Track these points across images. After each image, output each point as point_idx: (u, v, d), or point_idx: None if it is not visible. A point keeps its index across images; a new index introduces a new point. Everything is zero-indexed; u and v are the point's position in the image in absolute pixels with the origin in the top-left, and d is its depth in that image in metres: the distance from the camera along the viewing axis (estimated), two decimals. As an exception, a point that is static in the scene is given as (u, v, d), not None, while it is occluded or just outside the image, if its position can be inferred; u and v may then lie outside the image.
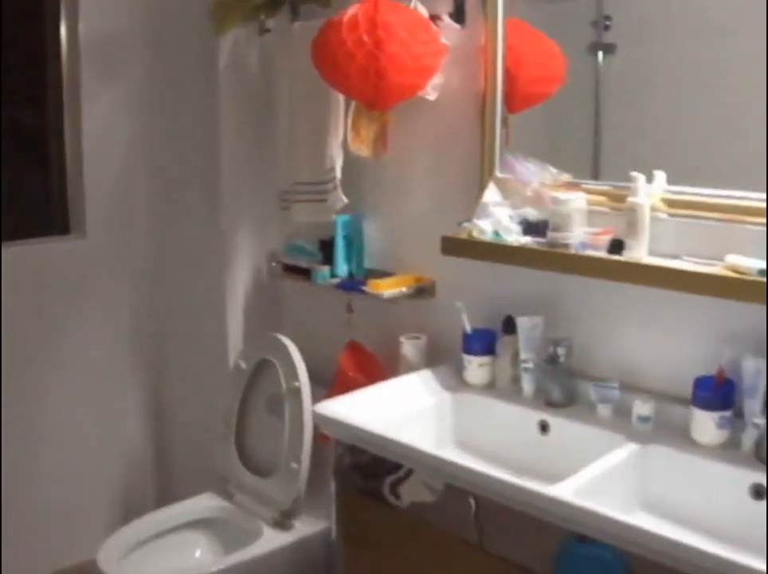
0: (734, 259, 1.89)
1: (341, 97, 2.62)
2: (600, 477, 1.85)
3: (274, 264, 3.05)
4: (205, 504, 2.92)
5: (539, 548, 1.78)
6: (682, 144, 2.17)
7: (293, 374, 2.72)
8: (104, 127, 3.23)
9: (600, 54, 2.32)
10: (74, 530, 3.33)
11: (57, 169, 3.35)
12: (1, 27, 3.13)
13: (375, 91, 2.30)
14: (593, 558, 1.69)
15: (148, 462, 3.56)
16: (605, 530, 1.64)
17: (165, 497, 3.38)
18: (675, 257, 2.01)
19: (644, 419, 2.05)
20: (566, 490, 1.74)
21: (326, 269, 2.80)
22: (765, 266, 1.81)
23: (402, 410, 2.26)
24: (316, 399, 2.54)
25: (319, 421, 2.26)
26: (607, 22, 2.30)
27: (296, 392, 2.70)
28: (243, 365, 2.94)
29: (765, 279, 1.79)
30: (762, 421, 1.88)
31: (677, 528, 1.78)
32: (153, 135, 3.30)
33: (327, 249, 2.84)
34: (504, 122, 2.41)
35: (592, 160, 2.37)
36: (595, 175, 2.31)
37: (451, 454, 2.19)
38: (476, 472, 1.87)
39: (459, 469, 1.91)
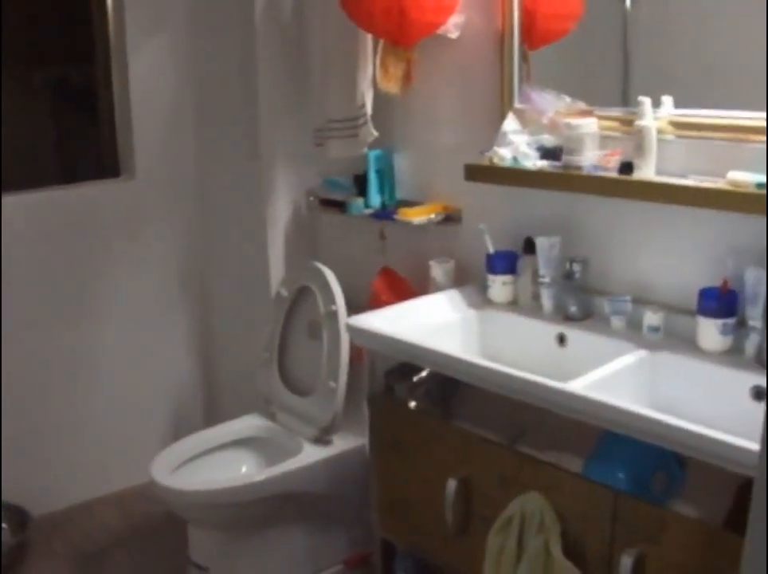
0: (734, 175, 2.01)
1: (369, 38, 2.75)
2: (610, 377, 2.01)
3: (311, 198, 3.20)
4: (249, 423, 3.09)
5: (568, 446, 1.94)
6: (695, 72, 2.27)
7: (330, 299, 2.87)
8: (150, 75, 3.38)
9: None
10: (130, 454, 3.53)
11: (107, 116, 3.50)
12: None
13: (398, 27, 2.45)
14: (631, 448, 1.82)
15: (197, 387, 3.75)
16: (614, 420, 1.79)
17: (212, 419, 3.57)
18: (682, 175, 2.13)
19: (653, 329, 2.19)
20: (578, 385, 1.91)
21: (360, 200, 2.95)
22: (763, 180, 1.93)
23: (431, 325, 2.41)
24: None
25: (352, 333, 2.43)
26: None
27: (333, 316, 2.85)
28: (284, 293, 3.09)
29: (763, 191, 1.91)
30: (762, 325, 2.01)
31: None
32: (196, 79, 3.44)
33: (360, 183, 2.98)
34: (524, 57, 2.53)
35: (620, 89, 2.45)
36: (624, 103, 2.38)
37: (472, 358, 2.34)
38: (496, 371, 2.02)
39: (482, 370, 2.06)
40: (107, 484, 3.52)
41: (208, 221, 3.57)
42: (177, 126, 3.48)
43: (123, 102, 3.43)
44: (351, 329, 2.41)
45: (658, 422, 1.72)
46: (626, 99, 2.41)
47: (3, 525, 3.18)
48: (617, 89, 2.47)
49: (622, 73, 2.47)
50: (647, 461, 1.79)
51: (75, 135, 3.75)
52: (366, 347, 2.43)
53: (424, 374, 2.28)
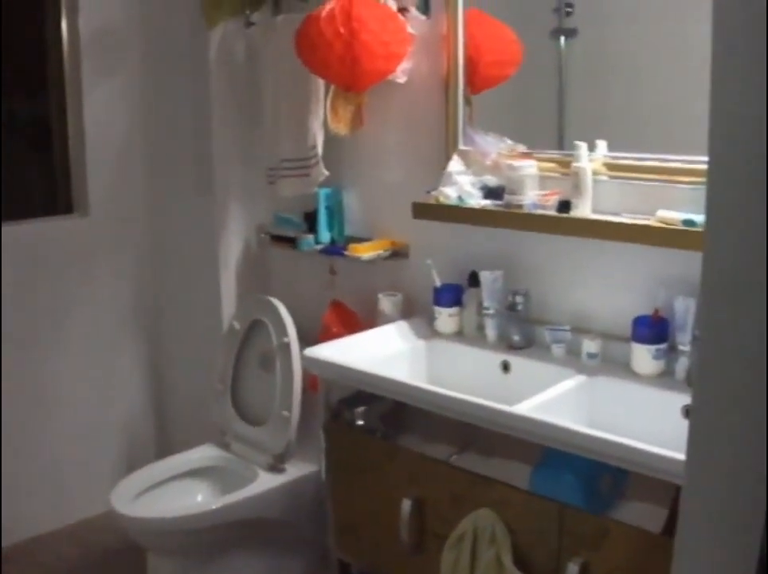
0: (663, 213, 2.18)
1: (320, 81, 2.88)
2: (552, 400, 2.16)
3: (263, 235, 3.31)
4: (204, 453, 3.15)
5: (514, 464, 2.08)
6: (626, 115, 2.45)
7: (283, 331, 2.97)
8: (104, 114, 3.44)
9: (562, 39, 2.55)
10: (85, 486, 3.57)
11: (61, 154, 3.55)
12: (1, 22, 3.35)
13: (351, 75, 2.58)
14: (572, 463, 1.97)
15: (150, 419, 3.80)
16: (557, 438, 1.94)
17: (165, 452, 3.59)
18: (616, 213, 2.30)
19: (592, 356, 2.35)
20: (523, 408, 2.05)
21: (310, 237, 3.07)
22: (689, 217, 2.10)
23: (381, 354, 2.55)
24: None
25: (308, 363, 2.56)
26: (568, 9, 2.52)
27: (286, 347, 2.95)
28: (236, 326, 3.18)
29: (690, 228, 2.08)
30: (690, 349, 2.17)
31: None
32: (149, 119, 3.52)
33: (310, 220, 3.10)
34: (467, 101, 2.69)
35: (557, 133, 2.62)
36: (560, 146, 2.55)
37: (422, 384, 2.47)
38: (448, 396, 2.16)
39: (434, 395, 2.19)
40: (63, 516, 3.55)
41: (160, 256, 3.64)
42: (130, 163, 3.55)
43: (77, 139, 3.49)
44: (307, 359, 2.53)
45: (597, 439, 1.87)
46: (562, 141, 2.58)
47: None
48: (554, 132, 2.63)
49: (558, 116, 2.63)
50: (593, 466, 1.93)
51: (27, 172, 3.78)
52: (321, 377, 2.55)
53: (374, 401, 2.41)
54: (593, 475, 1.94)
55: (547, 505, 1.98)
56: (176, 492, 3.05)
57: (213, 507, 2.84)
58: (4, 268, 3.31)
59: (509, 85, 2.68)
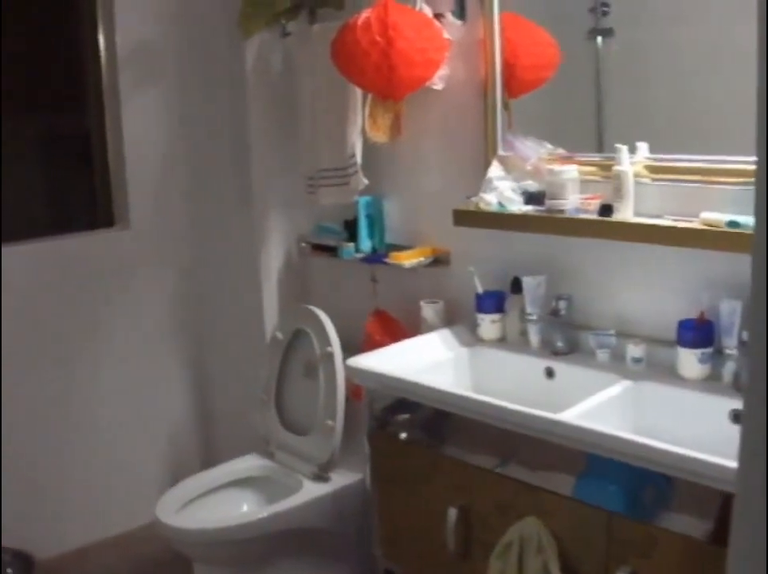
0: (707, 215, 2.15)
1: (358, 90, 2.88)
2: (597, 407, 2.13)
3: (303, 244, 3.32)
4: (249, 463, 3.16)
5: (560, 471, 2.05)
6: (667, 115, 2.43)
7: (326, 340, 2.97)
8: (143, 127, 3.47)
9: (599, 39, 2.53)
10: (130, 497, 3.59)
11: (101, 167, 3.59)
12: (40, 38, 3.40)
13: (388, 83, 2.58)
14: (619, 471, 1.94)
15: (193, 430, 3.81)
16: (603, 445, 1.92)
17: (210, 462, 3.60)
18: (658, 216, 2.27)
19: (636, 360, 2.32)
20: (568, 415, 2.03)
21: (351, 245, 3.07)
22: (734, 219, 2.06)
23: (425, 363, 2.53)
24: None
25: (351, 373, 2.55)
26: (605, 8, 2.50)
27: (329, 357, 2.95)
28: (279, 336, 3.19)
29: (734, 230, 2.05)
30: (737, 353, 2.14)
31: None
32: (188, 132, 3.54)
33: (351, 228, 3.10)
34: (506, 106, 2.67)
35: (596, 135, 2.60)
36: (600, 149, 2.54)
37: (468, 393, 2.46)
38: (493, 405, 2.14)
39: (479, 403, 2.18)
40: (109, 527, 3.57)
41: (202, 268, 3.66)
42: (170, 175, 3.57)
43: (116, 152, 3.52)
44: (350, 369, 2.53)
45: (643, 446, 1.85)
46: (601, 143, 2.56)
47: (8, 571, 3.23)
48: (593, 134, 2.61)
49: (596, 118, 2.61)
50: (636, 476, 1.90)
51: (68, 186, 3.82)
52: (365, 386, 2.55)
53: (418, 410, 2.40)
54: (638, 485, 1.91)
55: (594, 512, 1.96)
56: (221, 502, 3.06)
57: (259, 517, 2.84)
58: (46, 282, 3.35)
59: (547, 89, 2.67)
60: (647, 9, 2.45)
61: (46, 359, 3.38)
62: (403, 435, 2.44)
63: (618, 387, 2.24)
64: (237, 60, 3.23)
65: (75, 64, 3.60)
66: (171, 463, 3.76)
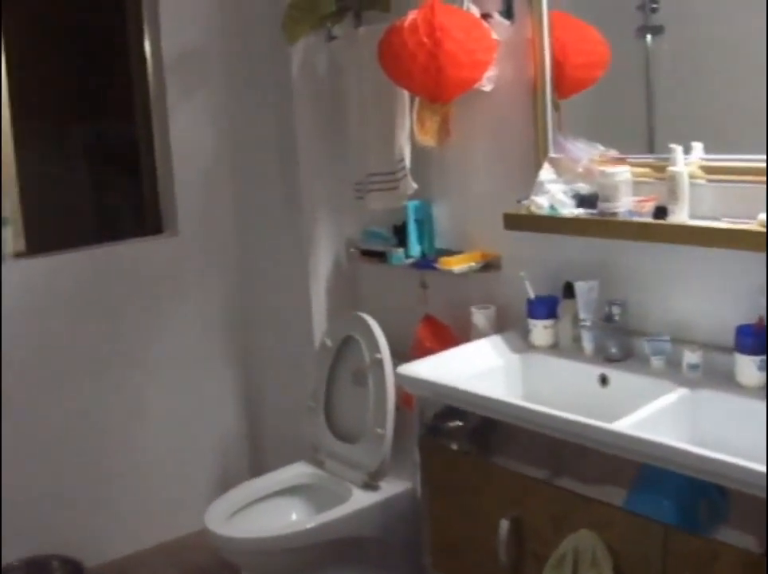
0: (765, 216, 2.07)
1: (406, 93, 2.84)
2: (653, 416, 2.07)
3: (352, 250, 3.29)
4: (298, 471, 3.15)
5: (615, 483, 1.99)
6: (726, 116, 2.34)
7: (375, 347, 2.95)
8: (190, 134, 3.48)
9: (648, 37, 2.47)
10: (177, 506, 3.61)
11: (149, 174, 3.60)
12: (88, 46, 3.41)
13: (436, 85, 2.53)
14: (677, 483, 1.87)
15: (243, 438, 3.81)
16: (660, 456, 1.85)
17: (259, 469, 3.61)
18: (714, 218, 2.20)
19: (693, 367, 2.25)
20: (624, 425, 1.97)
21: (400, 251, 3.02)
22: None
23: (476, 370, 2.48)
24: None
25: (402, 381, 2.51)
26: (654, 5, 2.44)
27: (379, 363, 2.92)
28: (328, 343, 3.17)
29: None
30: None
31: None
32: (235, 137, 3.54)
33: (400, 233, 3.05)
34: (556, 107, 2.62)
35: (647, 136, 2.54)
36: (651, 150, 2.47)
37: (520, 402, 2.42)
38: (542, 413, 2.09)
39: (531, 413, 2.13)
40: (158, 534, 3.58)
41: (250, 274, 3.65)
42: (217, 181, 3.58)
43: (164, 159, 3.54)
44: (401, 377, 2.48)
45: (702, 457, 1.78)
46: (653, 144, 2.50)
47: (59, 578, 3.26)
48: (644, 135, 2.55)
49: (647, 118, 2.54)
50: (691, 490, 1.84)
51: (117, 194, 3.85)
52: (415, 394, 2.50)
53: (470, 416, 2.35)
54: (694, 497, 1.84)
55: (650, 525, 1.90)
56: (270, 511, 3.05)
57: (308, 526, 2.82)
58: (96, 290, 3.38)
59: (596, 89, 2.60)
60: (697, 6, 2.39)
61: (96, 366, 3.41)
62: (454, 446, 2.40)
63: (674, 395, 2.18)
64: (283, 65, 3.21)
65: (122, 72, 3.62)
66: (220, 471, 3.76)
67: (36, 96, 3.39)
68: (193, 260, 3.58)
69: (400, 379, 2.53)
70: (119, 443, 3.49)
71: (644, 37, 2.48)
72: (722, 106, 2.37)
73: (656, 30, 2.46)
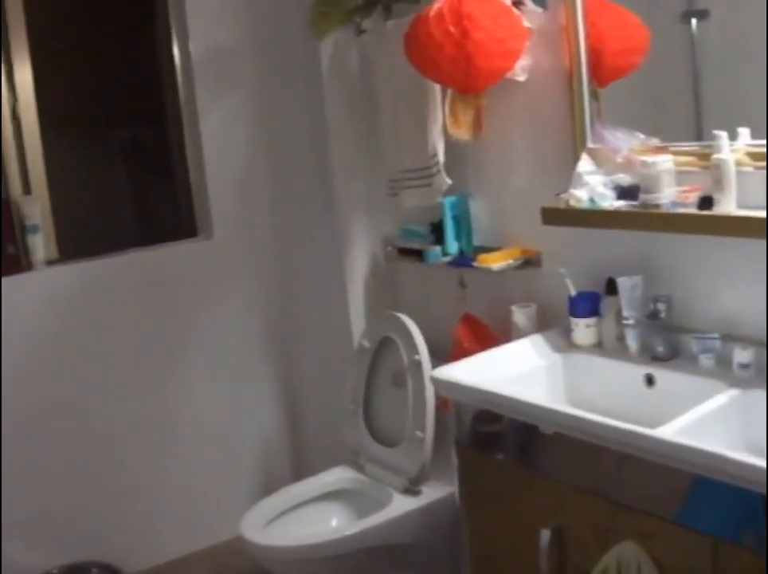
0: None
1: (437, 87, 2.76)
2: (702, 420, 1.95)
3: (389, 248, 3.22)
4: (337, 476, 3.10)
5: (662, 493, 1.88)
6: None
7: (413, 348, 2.87)
8: (222, 136, 3.43)
9: (693, 21, 2.36)
10: (219, 510, 3.55)
11: (182, 178, 3.57)
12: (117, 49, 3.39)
13: (466, 76, 2.44)
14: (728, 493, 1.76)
15: (283, 440, 3.76)
16: (709, 466, 1.74)
17: (300, 473, 3.57)
18: (763, 208, 2.06)
19: (744, 366, 2.13)
20: (669, 431, 1.86)
21: (437, 248, 2.95)
22: None
23: (516, 372, 2.38)
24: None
25: (437, 385, 2.42)
26: None
27: (417, 365, 2.85)
28: (366, 344, 3.10)
29: None
30: None
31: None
32: (267, 137, 3.49)
33: (437, 231, 2.98)
34: (594, 95, 2.51)
35: (694, 123, 2.42)
36: (698, 137, 2.35)
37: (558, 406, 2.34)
38: (585, 419, 1.98)
39: (570, 418, 2.03)
40: (198, 540, 3.54)
41: (286, 275, 3.60)
42: (250, 182, 3.53)
43: (196, 162, 3.49)
44: (437, 382, 2.40)
45: (755, 468, 1.67)
46: (700, 131, 2.38)
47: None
48: (690, 122, 2.43)
49: (693, 105, 2.43)
50: (745, 499, 1.73)
51: (150, 198, 3.82)
52: (453, 399, 2.42)
53: (508, 420, 2.25)
54: (747, 509, 1.73)
55: (699, 538, 1.79)
56: (310, 517, 3.00)
57: (348, 533, 2.77)
58: (131, 294, 3.34)
59: (637, 76, 2.49)
60: None
61: (135, 371, 3.38)
62: (493, 451, 2.31)
63: (724, 397, 2.06)
64: (313, 61, 3.16)
65: (153, 75, 3.60)
66: (262, 475, 3.72)
67: (65, 102, 3.36)
68: (229, 263, 3.53)
69: (436, 384, 2.43)
70: (159, 449, 3.46)
71: (689, 22, 2.37)
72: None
73: (701, 15, 2.35)
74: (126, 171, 3.80)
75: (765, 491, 1.65)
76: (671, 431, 1.87)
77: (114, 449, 3.35)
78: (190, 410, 3.52)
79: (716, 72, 2.36)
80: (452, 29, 2.37)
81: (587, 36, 2.47)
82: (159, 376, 3.44)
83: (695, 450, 1.76)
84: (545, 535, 2.11)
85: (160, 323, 3.41)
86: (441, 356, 2.82)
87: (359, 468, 3.09)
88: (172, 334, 3.45)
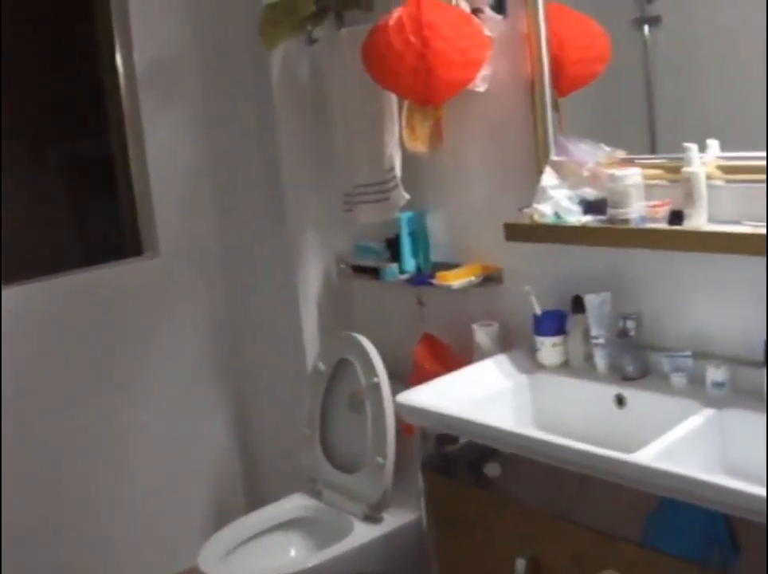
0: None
1: (393, 97, 2.66)
2: (678, 443, 1.88)
3: (343, 266, 3.12)
4: (295, 504, 2.98)
5: (628, 516, 1.82)
6: (734, 110, 2.17)
7: (371, 370, 2.77)
8: (168, 149, 3.31)
9: (646, 28, 2.31)
10: (170, 540, 3.42)
11: (126, 194, 3.43)
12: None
13: (426, 88, 2.35)
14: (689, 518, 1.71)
15: (237, 468, 3.63)
16: (687, 491, 1.67)
17: (255, 500, 3.45)
18: (736, 222, 2.01)
19: (718, 385, 2.07)
20: (646, 456, 1.78)
21: (394, 266, 2.85)
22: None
23: (480, 395, 2.30)
24: (395, 393, 2.56)
25: (402, 410, 2.32)
26: None
27: (376, 388, 2.75)
28: (322, 366, 3.00)
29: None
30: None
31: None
32: (215, 150, 3.38)
33: (393, 247, 2.88)
34: (555, 105, 2.44)
35: (648, 135, 2.38)
36: (653, 149, 2.31)
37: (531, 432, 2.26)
38: (556, 445, 1.91)
39: (540, 443, 1.95)
40: (150, 571, 3.39)
41: (237, 294, 3.49)
42: (198, 197, 3.41)
43: (141, 177, 3.37)
44: (400, 406, 2.30)
45: (736, 492, 1.61)
46: (654, 142, 2.35)
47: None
48: (644, 131, 2.39)
49: (647, 113, 2.38)
50: (704, 533, 1.68)
51: (95, 214, 3.69)
52: (417, 425, 2.32)
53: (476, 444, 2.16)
54: (706, 544, 1.68)
55: (684, 566, 1.71)
56: (268, 547, 2.89)
57: (309, 565, 2.64)
58: (75, 317, 3.21)
59: (596, 84, 2.43)
60: None
61: (80, 396, 3.23)
62: (461, 476, 2.21)
63: (700, 417, 1.99)
64: (263, 72, 3.06)
65: (96, 86, 3.45)
66: (215, 501, 3.59)
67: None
68: (177, 282, 3.41)
69: (399, 409, 2.33)
70: (105, 476, 3.31)
71: (642, 29, 2.33)
72: (729, 100, 2.19)
73: (654, 21, 2.30)
74: (67, 186, 3.65)
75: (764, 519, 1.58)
76: (648, 456, 1.79)
77: (59, 476, 3.19)
78: (139, 434, 3.38)
79: (671, 80, 2.32)
80: (412, 38, 2.28)
81: (549, 44, 2.40)
82: (108, 401, 3.29)
83: (677, 477, 1.69)
84: (520, 564, 2.01)
85: (106, 345, 3.28)
86: (401, 378, 2.75)
87: (317, 495, 2.99)
88: (119, 356, 3.31)
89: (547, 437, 1.96)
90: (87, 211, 3.67)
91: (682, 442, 1.90)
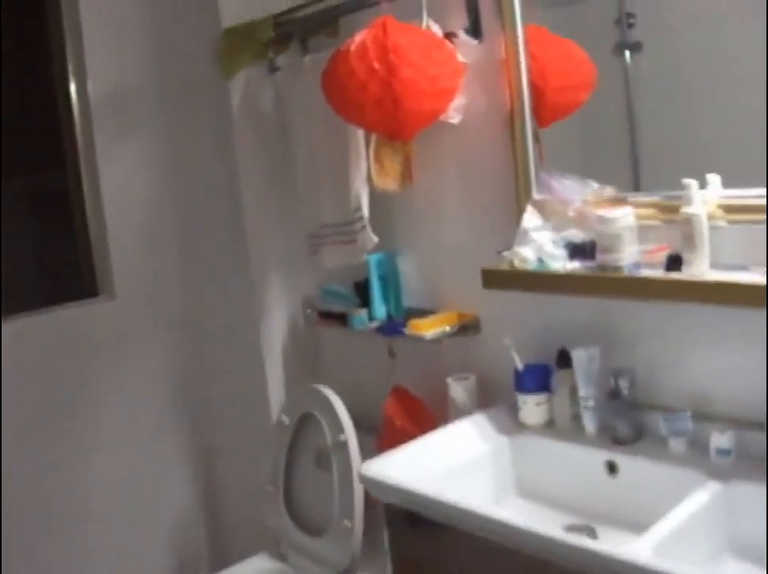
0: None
1: (360, 131, 2.48)
2: (681, 527, 1.66)
3: (309, 311, 2.95)
4: (258, 566, 2.83)
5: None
6: (722, 138, 1.99)
7: (338, 427, 2.57)
8: (124, 186, 3.12)
9: (627, 54, 2.16)
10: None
11: (81, 232, 3.24)
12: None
13: (394, 120, 2.14)
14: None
15: (199, 526, 3.41)
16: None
17: (218, 560, 3.25)
18: (742, 267, 1.81)
19: (723, 452, 1.86)
20: (645, 548, 1.55)
21: (363, 312, 2.67)
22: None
23: (456, 462, 2.09)
24: (364, 447, 2.44)
25: (366, 484, 2.10)
26: (630, 20, 2.14)
27: (343, 446, 2.54)
28: (286, 421, 2.79)
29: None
30: None
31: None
32: (173, 188, 3.20)
33: (362, 292, 2.70)
34: (536, 137, 2.24)
35: (631, 169, 2.20)
36: (636, 185, 2.13)
37: (513, 504, 2.07)
38: (543, 536, 1.67)
39: (521, 533, 1.71)
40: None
41: (197, 339, 3.28)
42: (157, 236, 3.21)
43: (96, 214, 3.17)
44: (365, 480, 2.06)
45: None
46: (638, 178, 2.16)
47: None
48: (626, 164, 2.20)
49: (629, 145, 2.20)
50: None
51: (52, 253, 3.48)
52: (384, 500, 2.09)
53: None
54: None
55: None
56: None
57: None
58: (32, 359, 3.01)
59: (579, 114, 2.25)
60: (676, 15, 2.06)
61: (36, 443, 3.01)
62: (433, 549, 1.99)
63: (704, 493, 1.76)
64: (223, 102, 2.90)
65: (50, 118, 3.25)
66: (176, 560, 3.35)
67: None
68: (134, 325, 3.20)
69: (364, 482, 2.10)
70: (58, 530, 3.07)
71: (623, 55, 2.17)
72: (716, 128, 2.02)
73: (635, 47, 2.15)
74: (23, 223, 3.45)
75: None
76: (647, 548, 1.56)
77: (16, 527, 2.97)
78: (94, 486, 3.15)
79: (654, 108, 2.15)
80: (376, 65, 2.06)
81: (529, 71, 2.20)
82: (61, 448, 3.07)
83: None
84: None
85: (59, 390, 3.06)
86: (371, 429, 2.57)
87: (282, 557, 2.81)
88: (72, 402, 3.09)
89: (528, 526, 1.71)
90: (44, 249, 3.47)
91: (685, 526, 1.67)
